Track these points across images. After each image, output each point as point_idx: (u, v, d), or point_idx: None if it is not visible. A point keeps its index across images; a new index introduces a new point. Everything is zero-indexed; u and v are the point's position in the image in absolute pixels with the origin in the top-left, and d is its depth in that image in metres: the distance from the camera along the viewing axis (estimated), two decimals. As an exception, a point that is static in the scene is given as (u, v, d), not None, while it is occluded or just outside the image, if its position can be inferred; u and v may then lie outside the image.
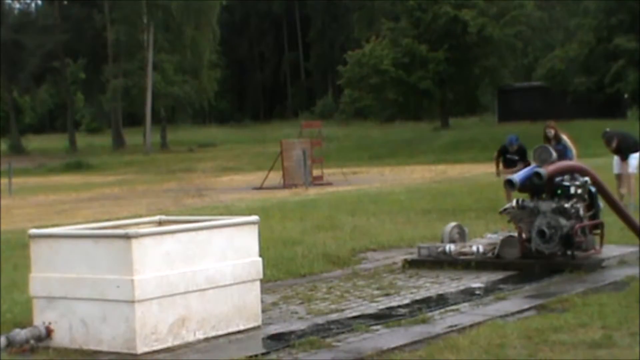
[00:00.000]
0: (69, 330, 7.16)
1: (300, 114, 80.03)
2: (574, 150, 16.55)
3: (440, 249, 10.96)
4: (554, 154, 10.61)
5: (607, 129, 18.05)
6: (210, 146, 61.53)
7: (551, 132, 16.70)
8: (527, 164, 17.81)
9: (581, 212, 10.36)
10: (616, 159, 17.20)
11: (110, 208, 22.91)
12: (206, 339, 7.29)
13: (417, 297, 8.93)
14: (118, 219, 14.84)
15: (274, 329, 7.67)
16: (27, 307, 7.86)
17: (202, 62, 67.48)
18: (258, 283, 7.83)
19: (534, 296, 8.76)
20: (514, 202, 10.70)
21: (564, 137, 16.62)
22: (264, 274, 8.13)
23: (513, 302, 8.47)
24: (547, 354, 6.43)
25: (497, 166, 17.86)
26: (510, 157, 17.81)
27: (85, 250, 7.11)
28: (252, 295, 7.73)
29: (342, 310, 8.38)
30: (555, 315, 7.66)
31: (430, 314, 8.00)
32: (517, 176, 10.64)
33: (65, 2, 72.81)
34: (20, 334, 7.15)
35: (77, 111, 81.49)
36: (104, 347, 7.00)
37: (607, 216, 11.40)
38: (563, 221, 10.18)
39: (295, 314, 8.27)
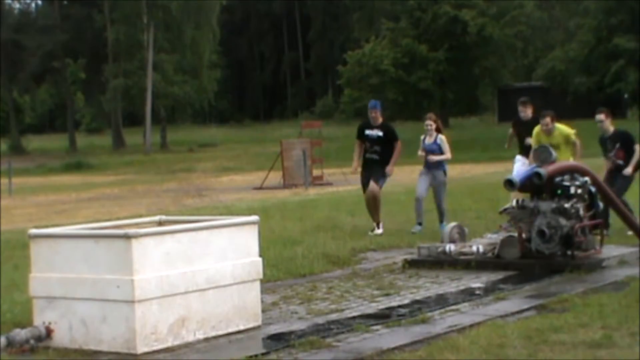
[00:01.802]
0: (69, 330, 7.16)
1: (300, 114, 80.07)
2: (448, 154, 14.15)
3: (440, 249, 10.97)
4: (554, 154, 10.62)
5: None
6: (210, 146, 61.50)
7: (431, 126, 14.18)
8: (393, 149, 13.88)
9: (581, 212, 10.37)
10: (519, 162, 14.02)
11: (110, 208, 22.90)
12: (206, 339, 7.29)
13: (417, 297, 8.92)
14: (118, 219, 14.84)
15: (274, 329, 7.67)
16: (27, 307, 7.86)
17: (202, 62, 67.48)
18: (258, 283, 7.83)
19: (534, 296, 8.76)
20: (514, 202, 10.70)
21: (442, 137, 14.24)
22: (264, 274, 8.13)
23: (513, 302, 8.47)
24: (547, 354, 6.43)
25: (360, 149, 14.06)
26: (371, 133, 13.91)
27: (85, 250, 7.11)
28: (252, 295, 7.73)
29: (342, 310, 8.38)
30: (555, 315, 7.66)
31: (430, 314, 7.99)
32: (517, 176, 10.65)
33: (65, 2, 72.81)
34: (20, 334, 7.15)
35: (77, 111, 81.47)
36: (104, 347, 7.00)
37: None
38: (563, 221, 10.19)
39: (295, 314, 8.27)
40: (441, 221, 14.03)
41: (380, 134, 13.74)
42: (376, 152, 13.75)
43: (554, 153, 10.63)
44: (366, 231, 13.87)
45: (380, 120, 13.89)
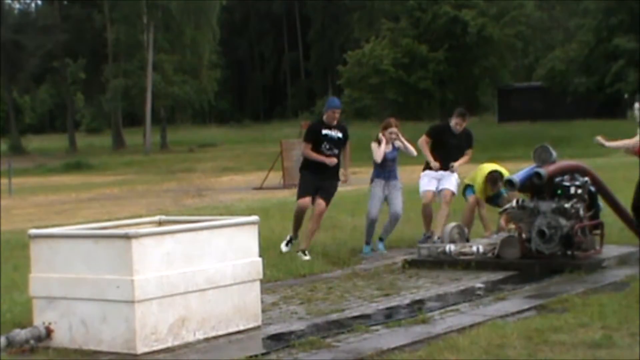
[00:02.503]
0: (69, 330, 7.16)
1: (300, 114, 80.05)
2: (414, 152, 12.49)
3: (440, 249, 10.97)
4: (554, 154, 10.61)
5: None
6: (210, 146, 61.52)
7: (396, 135, 12.36)
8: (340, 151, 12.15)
9: (581, 212, 10.37)
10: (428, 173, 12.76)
11: (110, 208, 22.90)
12: (206, 339, 7.29)
13: (417, 297, 8.93)
14: (118, 219, 14.85)
15: (274, 329, 7.67)
16: (27, 307, 7.86)
17: (202, 62, 67.50)
18: (258, 283, 7.83)
19: (534, 296, 8.76)
20: (514, 202, 10.71)
21: (398, 143, 12.47)
22: (264, 274, 8.13)
23: (513, 302, 8.47)
24: (547, 354, 6.43)
25: (313, 151, 12.01)
26: (330, 134, 12.04)
27: (85, 250, 7.11)
28: (252, 295, 7.73)
29: (342, 310, 8.38)
30: (555, 316, 7.65)
31: (430, 314, 7.99)
32: (517, 176, 10.65)
33: (65, 2, 72.82)
34: (20, 334, 7.14)
35: (77, 111, 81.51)
36: (104, 347, 6.99)
37: (607, 216, 11.40)
38: (563, 221, 10.19)
39: (295, 314, 8.27)
40: (382, 238, 12.41)
41: (340, 135, 12.11)
42: (334, 156, 12.06)
43: (554, 153, 10.63)
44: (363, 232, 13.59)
45: (336, 120, 12.20)
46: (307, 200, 12.06)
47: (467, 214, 12.55)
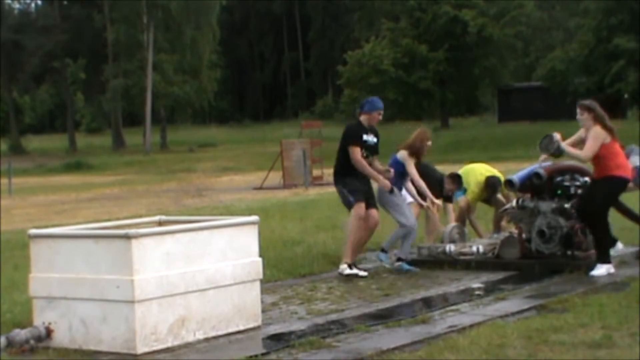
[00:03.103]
0: (69, 330, 7.16)
1: (300, 114, 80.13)
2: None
3: (440, 249, 10.97)
4: (562, 145, 10.43)
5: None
6: (210, 146, 61.55)
7: (428, 145, 11.16)
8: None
9: (581, 212, 10.36)
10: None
11: (110, 208, 22.91)
12: (206, 339, 7.29)
13: (417, 297, 8.93)
14: (118, 219, 14.85)
15: (274, 329, 7.67)
16: (27, 307, 7.86)
17: (202, 62, 67.52)
18: (258, 283, 7.83)
19: (534, 296, 8.76)
20: (514, 202, 10.72)
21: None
22: (264, 274, 8.13)
23: (513, 302, 8.47)
24: (547, 354, 6.43)
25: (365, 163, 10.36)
26: (369, 139, 10.44)
27: (85, 250, 7.11)
28: (252, 296, 7.73)
29: (342, 310, 8.38)
30: (555, 316, 7.65)
31: (430, 314, 8.00)
32: (517, 176, 10.65)
33: (65, 2, 72.85)
34: (20, 334, 7.15)
35: (77, 111, 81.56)
36: (103, 347, 6.99)
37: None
38: (563, 221, 10.20)
39: (295, 314, 8.27)
40: (385, 250, 10.93)
41: (375, 140, 10.57)
42: (370, 164, 10.54)
43: (561, 144, 10.44)
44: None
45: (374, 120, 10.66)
46: (364, 205, 10.46)
47: (457, 216, 12.50)
